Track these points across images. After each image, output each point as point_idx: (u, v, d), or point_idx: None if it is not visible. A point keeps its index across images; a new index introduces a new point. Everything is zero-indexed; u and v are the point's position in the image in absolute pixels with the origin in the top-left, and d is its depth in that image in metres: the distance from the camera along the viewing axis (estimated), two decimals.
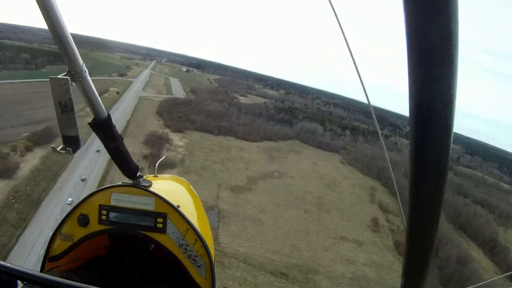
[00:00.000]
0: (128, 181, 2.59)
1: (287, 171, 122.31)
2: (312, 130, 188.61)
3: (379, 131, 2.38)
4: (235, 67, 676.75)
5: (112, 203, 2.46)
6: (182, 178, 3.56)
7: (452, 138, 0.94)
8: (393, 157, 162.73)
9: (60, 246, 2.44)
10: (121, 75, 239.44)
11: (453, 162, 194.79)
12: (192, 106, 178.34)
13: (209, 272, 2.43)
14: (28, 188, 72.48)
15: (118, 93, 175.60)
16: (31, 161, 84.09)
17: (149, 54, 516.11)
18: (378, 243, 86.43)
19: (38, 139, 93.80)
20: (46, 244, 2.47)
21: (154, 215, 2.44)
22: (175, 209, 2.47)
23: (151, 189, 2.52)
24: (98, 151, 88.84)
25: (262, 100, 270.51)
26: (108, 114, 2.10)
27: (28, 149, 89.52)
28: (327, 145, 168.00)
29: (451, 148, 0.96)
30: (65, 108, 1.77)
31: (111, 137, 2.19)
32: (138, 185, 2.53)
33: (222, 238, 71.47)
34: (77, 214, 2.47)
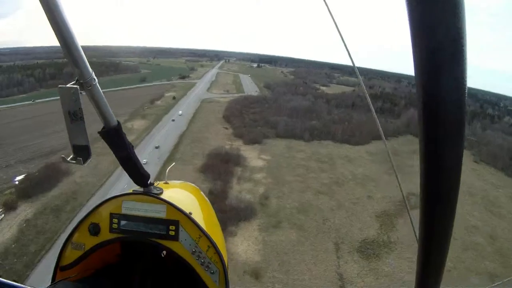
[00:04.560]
0: (139, 189, 2.50)
1: None
2: None
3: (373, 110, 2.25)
4: (306, 59, 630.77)
5: (123, 211, 2.41)
6: (192, 184, 3.23)
7: (464, 135, 0.94)
8: None
9: (71, 255, 2.40)
10: (183, 77, 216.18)
11: None
12: (269, 104, 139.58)
13: (222, 278, 2.38)
14: None
15: (174, 98, 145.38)
16: None
17: (217, 55, 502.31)
18: None
19: (30, 187, 59.61)
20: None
21: (166, 222, 2.39)
22: (187, 216, 2.42)
23: (162, 196, 2.45)
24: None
25: (347, 88, 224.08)
26: (118, 122, 2.06)
27: (9, 207, 55.61)
28: None
29: (464, 145, 0.96)
30: (74, 117, 1.77)
31: (121, 145, 2.13)
32: (149, 193, 2.45)
33: None
34: (88, 223, 2.42)
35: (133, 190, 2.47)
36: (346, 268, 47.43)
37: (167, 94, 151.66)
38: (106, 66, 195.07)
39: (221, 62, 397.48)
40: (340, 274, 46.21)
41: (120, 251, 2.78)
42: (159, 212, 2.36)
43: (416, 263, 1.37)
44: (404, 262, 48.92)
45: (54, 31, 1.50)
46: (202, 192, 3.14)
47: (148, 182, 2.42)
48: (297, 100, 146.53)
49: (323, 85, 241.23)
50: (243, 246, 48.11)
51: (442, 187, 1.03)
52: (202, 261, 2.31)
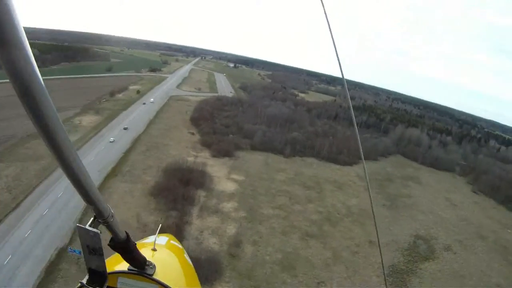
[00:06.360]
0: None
1: (434, 234, 61.61)
2: (416, 140, 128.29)
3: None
4: (283, 64, 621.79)
5: (119, 285, 2.51)
6: (176, 244, 3.49)
7: None
8: None
9: None
10: (153, 70, 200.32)
11: None
12: (244, 108, 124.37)
13: None
14: None
15: (138, 92, 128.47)
16: None
17: (194, 52, 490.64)
18: None
19: None
20: None
21: None
22: None
23: (155, 276, 2.57)
24: None
25: (327, 97, 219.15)
26: (127, 233, 2.19)
27: None
28: (439, 162, 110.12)
29: None
30: (94, 252, 1.75)
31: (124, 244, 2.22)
32: (144, 273, 2.57)
33: None
34: None
35: (128, 269, 2.50)
36: None
37: (131, 87, 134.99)
38: (74, 51, 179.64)
39: (197, 58, 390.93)
40: None
41: None
42: None
43: None
44: None
45: (67, 176, 1.37)
46: (185, 254, 3.35)
47: (145, 263, 2.51)
48: (276, 106, 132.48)
49: (302, 92, 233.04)
50: None
51: None
52: None
